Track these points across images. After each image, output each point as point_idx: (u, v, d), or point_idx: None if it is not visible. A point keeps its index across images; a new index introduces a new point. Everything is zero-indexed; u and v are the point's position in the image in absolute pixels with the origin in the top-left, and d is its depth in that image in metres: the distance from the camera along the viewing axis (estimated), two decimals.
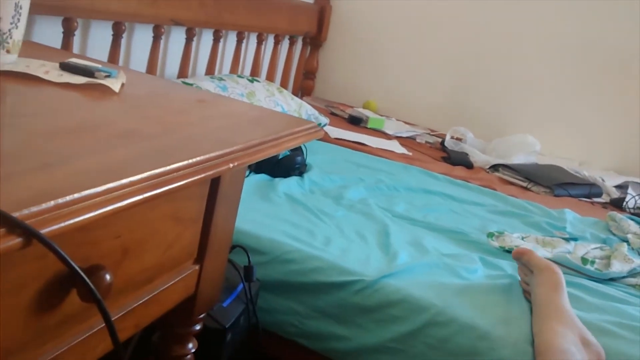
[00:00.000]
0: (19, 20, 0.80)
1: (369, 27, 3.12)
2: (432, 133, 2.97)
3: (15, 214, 0.43)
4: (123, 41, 1.84)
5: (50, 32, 1.60)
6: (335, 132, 2.57)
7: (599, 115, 2.82)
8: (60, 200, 0.47)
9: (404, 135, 2.84)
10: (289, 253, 1.41)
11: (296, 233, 1.50)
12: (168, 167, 0.61)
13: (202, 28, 2.25)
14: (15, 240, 0.42)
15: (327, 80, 3.23)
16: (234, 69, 2.48)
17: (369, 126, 2.81)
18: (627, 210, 2.33)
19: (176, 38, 2.15)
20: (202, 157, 0.66)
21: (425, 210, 1.87)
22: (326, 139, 2.45)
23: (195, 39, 2.18)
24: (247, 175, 1.81)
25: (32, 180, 0.49)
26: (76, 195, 0.48)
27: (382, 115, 2.96)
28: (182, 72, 2.16)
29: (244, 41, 2.50)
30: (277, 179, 1.85)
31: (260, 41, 2.62)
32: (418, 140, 2.84)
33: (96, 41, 1.80)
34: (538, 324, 1.19)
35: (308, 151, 2.03)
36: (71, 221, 0.47)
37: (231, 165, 0.71)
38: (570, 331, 1.16)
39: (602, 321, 1.32)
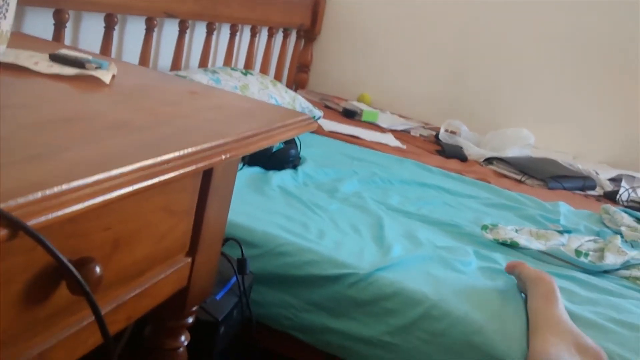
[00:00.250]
0: (7, 10, 0.79)
1: (364, 20, 3.11)
2: (426, 126, 2.97)
3: (1, 205, 0.42)
4: (115, 33, 1.83)
5: (41, 25, 1.59)
6: (329, 125, 2.56)
7: (593, 109, 2.83)
8: (48, 192, 0.46)
9: (398, 128, 2.83)
10: (282, 246, 1.40)
11: (290, 226, 1.49)
12: (159, 159, 0.60)
13: (196, 20, 2.24)
14: (1, 233, 0.42)
15: (321, 73, 3.22)
16: (227, 61, 2.46)
17: (363, 119, 2.80)
18: (621, 203, 2.34)
19: (169, 30, 2.13)
20: (194, 149, 0.65)
21: (420, 203, 1.87)
22: (320, 132, 2.44)
23: (188, 31, 2.16)
24: (241, 168, 1.80)
25: (19, 171, 0.48)
26: (65, 187, 0.48)
27: (376, 109, 2.96)
28: (175, 65, 2.15)
29: (238, 34, 2.49)
30: (270, 172, 1.85)
31: (254, 34, 2.61)
32: (412, 134, 2.84)
33: (88, 33, 1.79)
34: (532, 336, 1.20)
35: (302, 144, 2.03)
36: (59, 213, 0.46)
37: (224, 156, 0.70)
38: (563, 340, 1.16)
39: (595, 314, 1.32)
